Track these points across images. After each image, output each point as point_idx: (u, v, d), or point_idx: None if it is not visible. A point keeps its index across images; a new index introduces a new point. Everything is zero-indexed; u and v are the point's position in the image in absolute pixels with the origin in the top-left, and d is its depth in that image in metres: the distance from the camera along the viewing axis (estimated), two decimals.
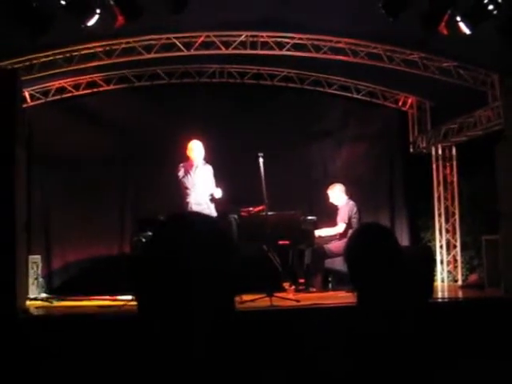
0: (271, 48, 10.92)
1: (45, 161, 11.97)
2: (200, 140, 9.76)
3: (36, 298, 10.04)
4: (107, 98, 12.51)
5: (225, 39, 10.85)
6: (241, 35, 10.76)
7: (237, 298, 1.65)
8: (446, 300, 9.34)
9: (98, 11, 8.43)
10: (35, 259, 10.60)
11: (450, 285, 12.44)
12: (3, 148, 7.23)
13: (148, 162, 12.07)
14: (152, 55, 10.87)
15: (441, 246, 12.99)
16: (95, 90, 12.42)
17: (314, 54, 10.98)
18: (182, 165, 9.58)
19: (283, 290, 9.81)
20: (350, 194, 11.02)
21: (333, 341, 2.78)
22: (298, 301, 8.27)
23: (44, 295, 10.46)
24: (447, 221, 13.00)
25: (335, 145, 13.36)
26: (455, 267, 12.81)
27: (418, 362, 2.62)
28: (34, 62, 10.69)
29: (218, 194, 9.54)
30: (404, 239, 12.72)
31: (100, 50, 10.76)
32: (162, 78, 12.53)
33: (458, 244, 12.78)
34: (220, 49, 10.89)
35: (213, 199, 9.62)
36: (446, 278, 12.83)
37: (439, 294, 10.03)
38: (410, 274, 3.11)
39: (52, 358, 5.57)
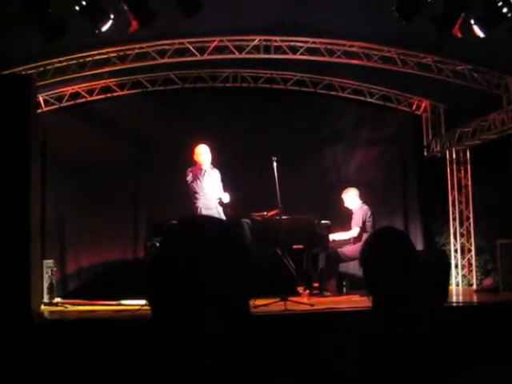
0: (284, 52, 10.92)
1: (59, 166, 12.02)
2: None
3: (50, 302, 10.07)
4: (121, 103, 12.54)
5: (238, 44, 10.86)
6: (254, 39, 10.77)
7: (250, 303, 1.64)
8: (460, 304, 9.30)
9: (111, 16, 8.46)
10: (49, 264, 10.62)
11: (464, 289, 12.40)
12: (18, 153, 7.25)
13: (161, 166, 12.08)
14: (165, 60, 10.90)
15: (455, 250, 12.94)
16: (109, 95, 12.46)
17: (327, 58, 10.98)
18: (190, 169, 9.55)
19: (297, 294, 9.81)
20: (364, 197, 10.99)
21: (347, 345, 2.77)
22: (312, 305, 8.25)
23: (58, 299, 10.48)
24: (462, 225, 12.95)
25: (349, 149, 13.34)
26: (470, 271, 12.76)
27: (433, 366, 2.61)
28: (48, 67, 10.75)
29: (226, 198, 9.52)
30: (418, 243, 12.67)
31: (114, 55, 10.81)
32: (175, 83, 12.55)
33: (473, 248, 12.72)
34: (233, 53, 10.90)
35: (221, 204, 9.60)
36: (460, 282, 12.78)
37: (454, 298, 10.00)
38: (425, 278, 3.10)
39: (66, 362, 5.58)
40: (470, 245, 12.81)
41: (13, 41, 9.21)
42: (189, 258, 1.55)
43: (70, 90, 12.16)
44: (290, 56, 10.97)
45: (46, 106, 12.08)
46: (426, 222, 13.37)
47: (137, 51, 10.77)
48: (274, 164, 9.00)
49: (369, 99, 13.26)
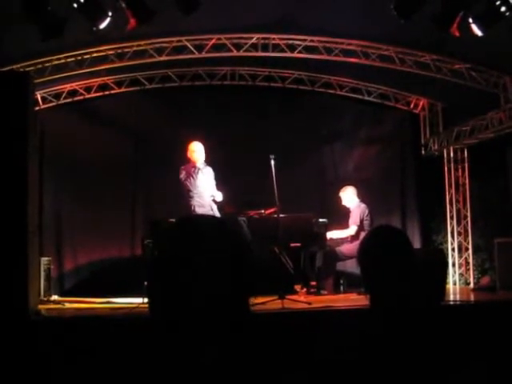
0: (282, 50, 10.92)
1: (56, 163, 12.02)
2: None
3: (48, 299, 10.07)
4: (119, 100, 12.54)
5: (236, 41, 10.85)
6: (252, 37, 10.76)
7: (250, 301, 1.64)
8: (457, 303, 9.31)
9: (109, 14, 8.45)
10: (47, 261, 10.63)
11: (461, 287, 12.42)
12: (15, 151, 7.25)
13: (159, 163, 12.07)
14: (163, 58, 10.89)
15: (453, 249, 12.95)
16: (107, 92, 12.46)
17: (325, 57, 10.97)
18: (183, 167, 9.46)
19: (295, 292, 9.81)
20: (362, 196, 10.99)
21: (345, 344, 2.77)
22: (309, 303, 8.26)
23: (55, 297, 10.48)
24: (459, 223, 12.96)
25: (347, 147, 13.35)
26: (467, 270, 12.77)
27: (430, 365, 2.61)
28: (46, 64, 10.73)
29: (219, 197, 9.45)
30: (416, 242, 12.68)
31: (111, 52, 10.79)
32: (173, 81, 12.55)
33: (470, 246, 12.74)
34: (231, 51, 10.89)
35: (214, 202, 9.55)
36: (457, 280, 12.80)
37: (451, 297, 10.01)
38: (423, 276, 3.10)
39: (63, 359, 5.58)
40: (468, 243, 12.82)
41: (11, 38, 9.20)
42: (188, 257, 1.55)
43: (67, 87, 12.15)
44: (288, 54, 10.96)
45: (43, 103, 12.07)
46: (424, 220, 13.38)
47: (135, 49, 10.75)
48: (272, 162, 8.99)
49: (367, 98, 13.25)
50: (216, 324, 1.54)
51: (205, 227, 1.64)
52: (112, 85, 12.39)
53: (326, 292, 10.31)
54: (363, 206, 10.80)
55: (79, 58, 10.78)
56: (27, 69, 10.38)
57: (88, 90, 12.34)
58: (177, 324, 1.55)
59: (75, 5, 8.14)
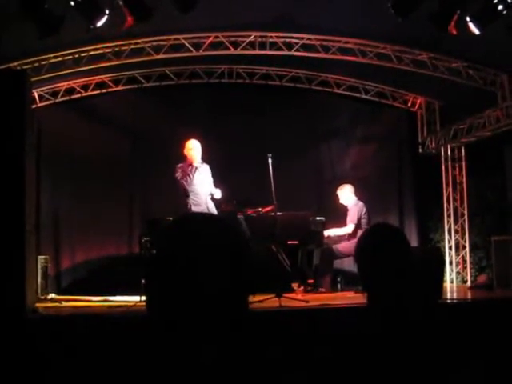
0: (280, 48, 10.92)
1: (53, 161, 12.01)
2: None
3: (45, 298, 10.06)
4: (116, 98, 12.54)
5: (233, 39, 10.85)
6: (249, 35, 10.76)
7: (248, 299, 1.64)
8: (454, 301, 9.31)
9: (107, 12, 8.44)
10: (44, 259, 10.62)
11: (458, 286, 12.42)
12: (12, 149, 7.24)
13: (156, 162, 12.07)
14: (161, 56, 10.89)
15: (450, 247, 12.96)
16: (104, 90, 12.45)
17: (322, 55, 10.98)
18: (179, 166, 9.38)
19: (292, 290, 9.81)
20: (359, 194, 10.99)
21: (342, 342, 2.77)
22: (306, 301, 8.26)
23: (53, 295, 10.48)
24: (456, 221, 12.97)
25: (344, 145, 13.35)
26: (464, 268, 12.78)
27: (428, 363, 2.62)
28: (43, 62, 10.72)
29: (218, 194, 9.41)
30: (413, 240, 12.69)
31: (109, 50, 10.79)
32: (170, 79, 12.54)
33: (467, 245, 12.74)
34: (229, 49, 10.89)
35: (213, 199, 9.50)
36: (455, 278, 12.81)
37: (448, 295, 10.00)
38: (420, 274, 3.11)
39: (60, 357, 5.58)
40: (465, 241, 12.83)
41: (8, 36, 9.19)
42: (186, 255, 1.55)
43: (65, 85, 12.14)
44: (286, 52, 10.96)
45: (40, 101, 12.06)
46: (421, 218, 13.39)
47: (132, 47, 10.75)
48: (270, 160, 8.99)
49: (364, 96, 13.25)
50: (214, 322, 1.54)
51: (203, 225, 1.64)
52: (109, 83, 12.38)
53: (323, 290, 10.30)
54: (361, 204, 10.80)
55: (76, 56, 10.77)
56: (24, 67, 10.38)
57: (85, 88, 12.33)
58: (175, 322, 1.55)
59: (72, 3, 8.13)
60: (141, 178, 12.47)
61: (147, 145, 12.41)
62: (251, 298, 7.72)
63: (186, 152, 9.36)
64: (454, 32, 8.59)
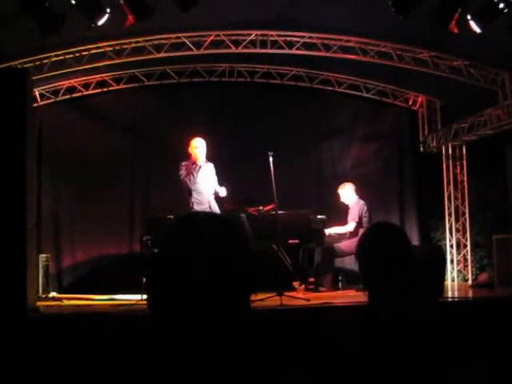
0: (281, 47, 10.92)
1: (54, 160, 12.01)
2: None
3: (46, 296, 10.06)
4: (117, 97, 12.54)
5: (234, 38, 10.85)
6: (250, 34, 10.76)
7: (251, 298, 1.65)
8: (456, 299, 9.31)
9: (108, 11, 8.44)
10: (45, 258, 10.62)
11: (460, 284, 12.43)
12: (13, 147, 7.24)
13: (157, 160, 12.09)
14: (162, 54, 10.88)
15: (451, 246, 12.96)
16: (105, 89, 12.45)
17: (323, 53, 10.97)
18: (183, 164, 9.34)
19: (293, 289, 9.81)
20: (360, 193, 10.99)
21: (343, 340, 2.77)
22: (308, 300, 8.26)
23: (54, 294, 10.48)
24: (457, 220, 12.97)
25: (345, 144, 13.35)
26: (465, 266, 12.78)
27: (429, 361, 2.62)
28: (45, 61, 10.72)
29: (223, 192, 9.38)
30: (414, 238, 12.68)
31: (110, 49, 10.78)
32: (171, 77, 12.54)
33: (469, 243, 12.74)
34: (230, 48, 10.89)
35: (217, 198, 9.50)
36: (456, 277, 12.81)
37: (449, 294, 10.01)
38: (421, 273, 3.11)
39: (62, 356, 5.58)
40: (466, 240, 12.83)
41: (9, 34, 9.19)
42: (188, 254, 1.55)
43: (66, 84, 12.14)
44: (287, 51, 10.96)
45: (41, 100, 12.07)
46: (422, 217, 13.39)
47: (133, 45, 10.75)
48: (270, 159, 8.98)
49: (365, 94, 13.26)
50: (215, 321, 1.54)
51: (204, 224, 1.64)
52: (110, 81, 12.39)
53: (324, 289, 10.30)
54: (362, 202, 10.81)
55: (77, 54, 10.77)
56: (25, 65, 10.37)
57: (86, 86, 12.33)
58: (176, 321, 1.55)
59: (73, 1, 8.13)
60: (142, 176, 12.47)
61: (148, 143, 12.41)
62: (252, 297, 7.70)
63: (190, 150, 9.33)
64: (455, 30, 8.59)
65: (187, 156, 9.40)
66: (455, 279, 12.78)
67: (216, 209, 9.32)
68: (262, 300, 7.81)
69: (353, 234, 10.57)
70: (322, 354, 2.69)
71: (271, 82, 12.98)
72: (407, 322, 2.72)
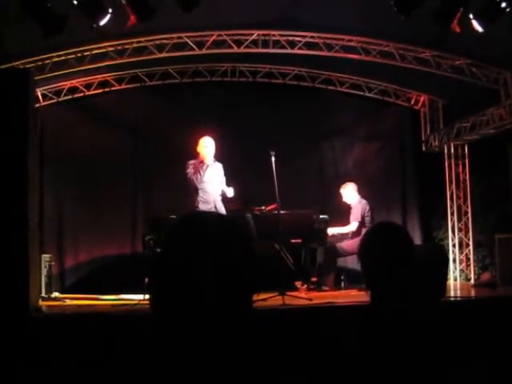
0: (283, 47, 10.91)
1: (57, 160, 12.01)
2: (211, 139, 9.68)
3: (48, 296, 10.07)
4: (119, 97, 12.54)
5: (236, 38, 10.84)
6: (252, 34, 10.75)
7: (253, 298, 1.65)
8: (458, 299, 9.30)
9: (110, 11, 8.44)
10: (47, 258, 10.62)
11: (462, 283, 12.42)
12: (16, 148, 7.25)
13: (159, 160, 12.09)
14: (164, 54, 10.88)
15: (453, 245, 12.96)
16: (107, 89, 12.46)
17: (325, 53, 10.97)
18: (191, 162, 9.34)
19: (295, 288, 9.81)
20: (362, 192, 10.98)
21: (345, 340, 2.78)
22: (310, 299, 8.26)
23: (56, 294, 10.49)
24: (460, 219, 12.96)
25: (347, 143, 13.34)
26: (468, 266, 12.78)
27: (431, 361, 2.62)
28: (46, 61, 10.72)
29: (230, 193, 9.39)
30: (416, 238, 12.66)
31: (112, 49, 10.78)
32: (173, 77, 12.55)
33: (471, 242, 12.74)
34: (232, 47, 10.89)
35: (224, 198, 9.50)
36: (458, 276, 12.80)
37: (452, 293, 9.99)
38: (424, 272, 3.11)
39: (64, 356, 5.58)
40: (468, 239, 12.82)
41: (11, 35, 9.20)
42: (190, 254, 1.55)
43: (68, 84, 12.15)
44: (289, 50, 10.95)
45: (44, 100, 12.07)
46: (424, 216, 13.38)
47: (135, 45, 10.75)
48: (273, 158, 8.98)
49: (367, 94, 13.26)
50: (218, 321, 1.54)
51: (207, 224, 1.64)
52: (112, 82, 12.39)
53: (326, 288, 10.30)
54: (364, 202, 10.80)
55: (79, 54, 10.77)
56: (27, 66, 10.37)
57: (88, 86, 12.33)
58: (178, 321, 1.55)
59: (75, 1, 8.13)
60: (144, 176, 12.47)
61: (150, 143, 12.41)
62: (255, 297, 7.70)
63: (199, 149, 9.31)
64: (458, 30, 8.58)
65: (193, 155, 9.39)
66: (457, 279, 12.77)
67: (222, 209, 9.30)
68: (264, 300, 7.81)
69: (355, 233, 10.56)
70: (324, 354, 2.69)
71: (273, 81, 12.98)
72: (409, 321, 2.72)
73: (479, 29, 8.58)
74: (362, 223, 10.58)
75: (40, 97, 11.85)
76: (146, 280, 7.42)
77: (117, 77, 12.34)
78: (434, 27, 8.82)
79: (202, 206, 9.17)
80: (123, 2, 8.24)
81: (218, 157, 9.71)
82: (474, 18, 8.54)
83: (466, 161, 13.01)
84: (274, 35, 10.80)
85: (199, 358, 1.54)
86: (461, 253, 12.86)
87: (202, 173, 9.14)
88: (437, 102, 13.33)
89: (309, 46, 10.95)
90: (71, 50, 10.63)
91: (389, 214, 12.73)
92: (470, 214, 12.86)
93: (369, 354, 2.63)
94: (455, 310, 7.44)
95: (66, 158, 12.01)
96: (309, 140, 12.88)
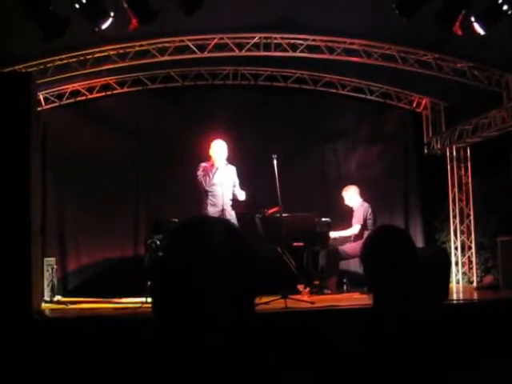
0: (285, 50, 10.91)
1: (59, 164, 12.01)
2: (224, 142, 9.63)
3: (51, 300, 10.07)
4: (121, 100, 12.54)
5: (238, 41, 10.84)
6: (254, 37, 10.75)
7: (255, 302, 1.65)
8: (461, 301, 9.30)
9: (112, 14, 8.45)
10: (50, 261, 10.63)
11: (465, 286, 12.40)
12: (18, 151, 7.26)
13: (161, 164, 12.10)
14: (165, 58, 10.88)
15: (456, 248, 12.94)
16: (109, 92, 12.46)
17: (327, 56, 10.96)
18: (202, 165, 9.35)
19: (298, 292, 9.80)
20: (365, 195, 10.98)
21: (348, 343, 2.77)
22: (312, 303, 8.26)
23: (59, 297, 10.49)
24: (462, 222, 12.95)
25: (349, 146, 13.34)
26: (470, 269, 12.76)
27: (434, 364, 2.61)
28: (49, 65, 10.72)
29: (242, 196, 9.38)
30: (418, 240, 12.66)
31: (114, 52, 10.78)
32: (175, 81, 12.55)
33: (473, 245, 12.72)
34: (233, 51, 10.88)
35: (235, 201, 9.47)
36: (461, 279, 12.79)
37: (454, 296, 10.00)
38: (426, 275, 3.11)
39: (67, 359, 5.58)
40: (471, 242, 12.81)
41: (13, 38, 9.21)
42: (193, 257, 1.55)
43: (70, 87, 12.16)
44: (290, 53, 10.95)
45: (46, 103, 12.08)
46: (427, 219, 13.37)
47: (137, 49, 10.74)
48: (275, 161, 8.98)
49: (369, 97, 13.25)
50: (220, 324, 1.54)
51: (210, 228, 1.64)
52: (114, 85, 12.40)
53: (329, 291, 10.30)
54: (366, 205, 10.80)
55: (81, 58, 10.77)
56: (29, 69, 10.38)
57: (90, 90, 12.34)
58: (180, 324, 1.55)
59: (77, 5, 8.14)
60: (146, 179, 12.48)
61: (152, 146, 12.41)
62: (257, 300, 7.69)
63: (210, 152, 9.34)
64: (459, 32, 8.58)
65: (208, 157, 9.38)
66: (460, 281, 12.76)
67: (231, 212, 9.30)
68: (266, 303, 7.81)
69: (357, 236, 10.57)
70: (326, 357, 2.69)
71: (275, 84, 12.98)
72: (412, 324, 2.72)
73: (481, 31, 8.57)
74: (364, 226, 10.59)
75: (42, 100, 11.86)
76: (149, 283, 7.43)
77: (119, 80, 12.34)
78: (436, 30, 8.82)
79: (211, 209, 9.18)
80: (125, 5, 8.24)
81: None
82: (476, 21, 8.53)
83: (469, 163, 12.99)
84: (275, 38, 10.80)
85: (201, 361, 1.54)
86: (463, 255, 12.85)
87: (211, 175, 9.14)
88: (439, 105, 13.32)
89: (310, 49, 10.95)
90: (73, 54, 10.63)
91: (391, 217, 12.72)
92: (472, 217, 12.84)
93: (371, 356, 2.62)
94: (458, 312, 7.44)
95: (68, 162, 12.01)
96: (311, 143, 12.89)
